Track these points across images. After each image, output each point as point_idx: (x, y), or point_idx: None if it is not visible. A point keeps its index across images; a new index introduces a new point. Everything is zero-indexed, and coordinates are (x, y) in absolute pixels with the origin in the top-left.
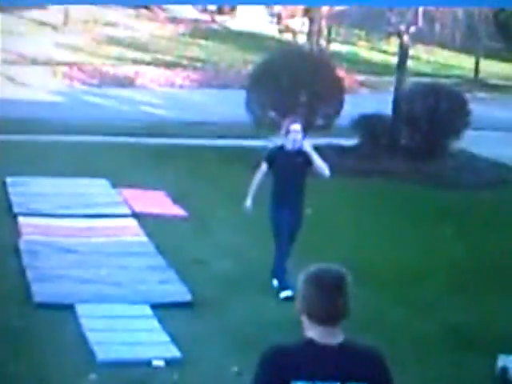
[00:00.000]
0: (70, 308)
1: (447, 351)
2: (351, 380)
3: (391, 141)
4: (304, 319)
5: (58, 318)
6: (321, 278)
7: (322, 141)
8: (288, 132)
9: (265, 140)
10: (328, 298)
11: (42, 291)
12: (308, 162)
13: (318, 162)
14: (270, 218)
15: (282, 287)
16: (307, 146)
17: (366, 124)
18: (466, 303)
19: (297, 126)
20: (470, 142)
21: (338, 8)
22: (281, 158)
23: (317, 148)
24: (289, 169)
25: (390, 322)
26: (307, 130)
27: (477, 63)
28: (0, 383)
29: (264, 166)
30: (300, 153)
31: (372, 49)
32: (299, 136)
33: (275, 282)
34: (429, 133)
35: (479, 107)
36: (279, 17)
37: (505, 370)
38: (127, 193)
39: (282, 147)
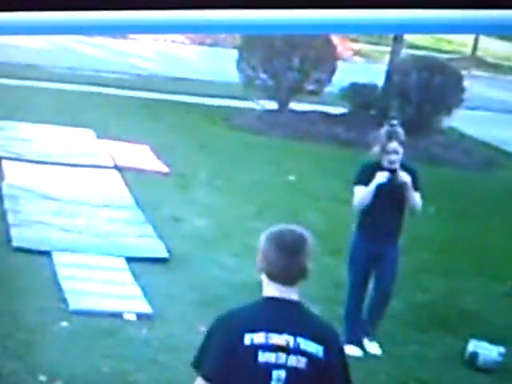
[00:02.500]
0: (46, 255)
1: (415, 329)
2: (306, 337)
3: (381, 112)
4: (263, 277)
5: (35, 263)
6: (282, 237)
7: (311, 107)
8: (385, 152)
9: (253, 101)
10: (288, 257)
11: (20, 236)
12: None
13: (413, 194)
14: (350, 250)
15: (350, 341)
16: (405, 176)
17: (357, 93)
18: (438, 282)
19: (395, 145)
20: (462, 120)
21: None
22: (380, 187)
23: (304, 113)
24: (387, 194)
25: None
26: (297, 94)
27: (476, 40)
28: None
29: (360, 191)
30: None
31: None
32: (398, 157)
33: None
34: (420, 107)
35: (474, 85)
36: None
37: (475, 355)
38: (111, 145)
39: (377, 165)
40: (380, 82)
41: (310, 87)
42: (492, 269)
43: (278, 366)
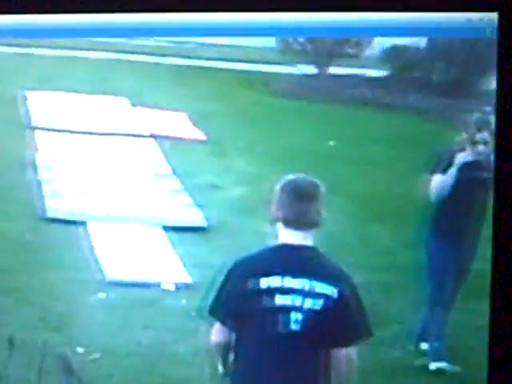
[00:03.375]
0: (82, 225)
1: None
2: (321, 280)
3: (423, 75)
4: (279, 227)
5: (70, 234)
6: (296, 185)
7: (351, 70)
8: (473, 142)
9: (290, 66)
10: (302, 203)
11: (55, 207)
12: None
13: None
14: (426, 249)
15: (435, 353)
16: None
17: (398, 55)
18: None
19: (485, 135)
20: None
21: None
22: (461, 170)
23: (344, 77)
24: (470, 186)
25: (408, 261)
26: (336, 57)
27: None
28: (12, 295)
29: (438, 179)
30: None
31: None
32: (486, 149)
33: (423, 346)
34: (463, 70)
35: None
36: None
37: None
38: (147, 113)
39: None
40: (422, 42)
41: (350, 50)
42: None
43: (294, 309)
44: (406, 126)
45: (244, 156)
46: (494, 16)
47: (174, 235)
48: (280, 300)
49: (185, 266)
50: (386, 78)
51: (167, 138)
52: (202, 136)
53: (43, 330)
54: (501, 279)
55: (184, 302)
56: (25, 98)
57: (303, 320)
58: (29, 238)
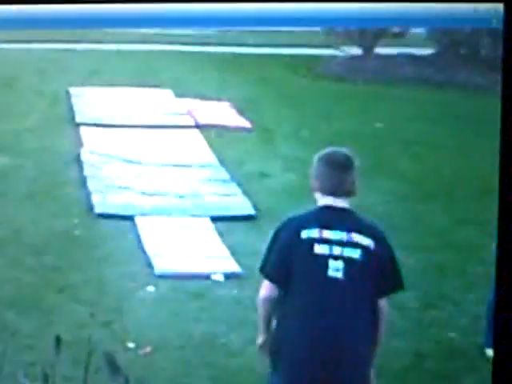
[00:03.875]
0: (130, 219)
1: None
2: (359, 232)
3: (470, 51)
4: (318, 196)
5: (118, 229)
6: (332, 157)
7: (397, 50)
8: None
9: (335, 49)
10: (338, 174)
11: (102, 202)
12: None
13: None
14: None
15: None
16: None
17: (445, 32)
18: None
19: None
20: None
21: None
22: None
23: (391, 57)
24: None
25: (461, 240)
26: (382, 37)
27: None
28: (62, 292)
29: None
30: None
31: None
32: None
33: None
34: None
35: None
36: None
37: None
38: (191, 103)
39: None
40: None
41: (396, 29)
42: None
43: (334, 257)
44: (455, 104)
45: (290, 141)
46: (499, 6)
47: (222, 225)
48: (319, 249)
49: (234, 255)
50: (433, 55)
51: (212, 127)
52: (247, 124)
53: (93, 327)
54: None
55: (235, 292)
56: (69, 95)
57: (344, 268)
58: (77, 235)
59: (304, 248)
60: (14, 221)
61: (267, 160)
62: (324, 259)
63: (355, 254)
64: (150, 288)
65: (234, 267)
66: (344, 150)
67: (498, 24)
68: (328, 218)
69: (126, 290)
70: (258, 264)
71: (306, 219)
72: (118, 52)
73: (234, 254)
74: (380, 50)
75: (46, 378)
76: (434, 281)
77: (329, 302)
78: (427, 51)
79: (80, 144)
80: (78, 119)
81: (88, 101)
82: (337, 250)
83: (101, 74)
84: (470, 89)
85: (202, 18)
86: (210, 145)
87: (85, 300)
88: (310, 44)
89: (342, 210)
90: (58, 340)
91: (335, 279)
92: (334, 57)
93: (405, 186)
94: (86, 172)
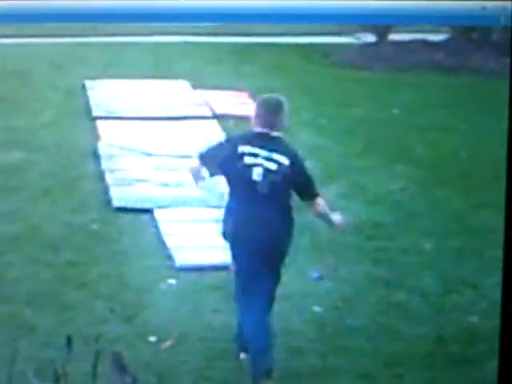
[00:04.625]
0: (148, 212)
1: None
2: (277, 152)
3: (483, 36)
4: (256, 128)
5: (137, 222)
6: (266, 100)
7: (411, 36)
8: None
9: (350, 37)
10: (270, 112)
11: (120, 195)
12: None
13: None
14: None
15: None
16: None
17: None
18: None
19: None
20: None
21: None
22: None
23: (405, 43)
24: None
25: (479, 224)
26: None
27: None
28: (82, 288)
29: None
30: None
31: None
32: None
33: None
34: None
35: None
36: None
37: None
38: (208, 94)
39: None
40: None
41: None
42: None
43: (257, 165)
44: (469, 88)
45: (308, 129)
46: (508, 4)
47: None
48: (247, 159)
49: None
50: (446, 41)
51: (230, 117)
52: None
53: (114, 322)
54: None
55: None
56: (85, 88)
57: (262, 174)
58: (96, 229)
59: (238, 158)
60: (31, 217)
61: None
62: (249, 167)
63: (273, 166)
64: (171, 281)
65: None
66: (277, 95)
67: (506, 22)
68: (258, 140)
69: (146, 284)
70: None
71: (243, 138)
72: (134, 44)
73: None
74: (394, 37)
75: (57, 376)
76: (452, 266)
77: (252, 197)
78: (440, 37)
79: (97, 137)
80: (94, 113)
81: (104, 94)
82: (259, 161)
83: (117, 66)
84: (484, 73)
85: (213, 14)
86: (228, 135)
87: (104, 295)
88: (325, 32)
89: (272, 137)
90: (69, 340)
91: (256, 182)
92: (349, 44)
93: (422, 172)
94: (104, 165)
